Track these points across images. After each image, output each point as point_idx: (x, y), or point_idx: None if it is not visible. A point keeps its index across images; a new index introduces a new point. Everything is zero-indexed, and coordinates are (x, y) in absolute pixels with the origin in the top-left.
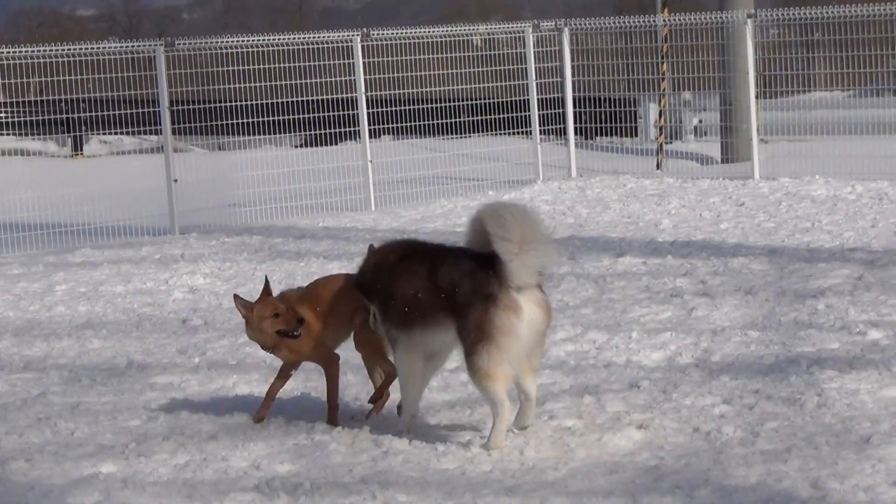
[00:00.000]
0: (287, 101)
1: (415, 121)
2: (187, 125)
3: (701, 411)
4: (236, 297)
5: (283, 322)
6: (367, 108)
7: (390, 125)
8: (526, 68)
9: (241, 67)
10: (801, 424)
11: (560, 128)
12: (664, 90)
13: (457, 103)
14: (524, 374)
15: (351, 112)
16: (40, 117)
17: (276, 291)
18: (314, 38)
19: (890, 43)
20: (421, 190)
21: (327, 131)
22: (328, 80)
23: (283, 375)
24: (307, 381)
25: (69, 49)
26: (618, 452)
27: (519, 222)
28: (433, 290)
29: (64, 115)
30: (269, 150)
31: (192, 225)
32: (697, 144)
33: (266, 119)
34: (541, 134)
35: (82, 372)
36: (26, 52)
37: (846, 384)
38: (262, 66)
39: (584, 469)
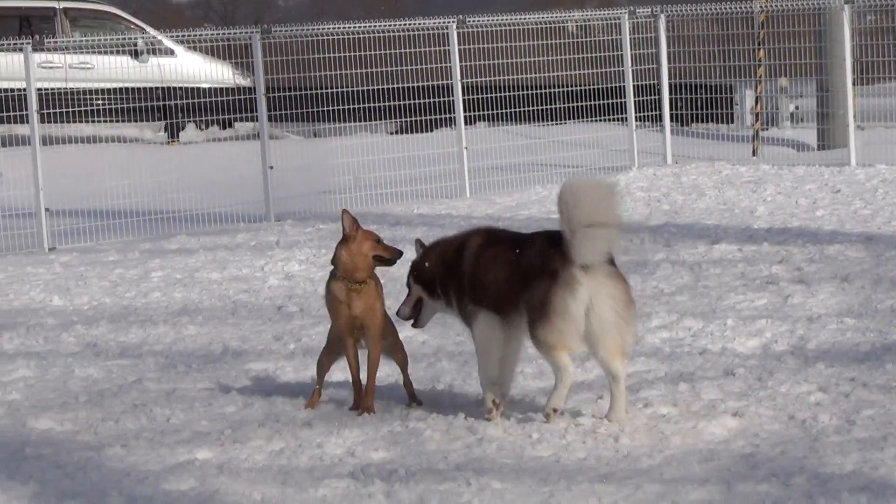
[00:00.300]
0: (382, 88)
1: (510, 107)
2: (283, 112)
3: (796, 399)
4: (346, 211)
5: (383, 249)
6: (463, 94)
7: (485, 112)
8: (622, 55)
9: (336, 54)
10: None
11: (656, 114)
12: (760, 77)
13: (552, 90)
14: (609, 355)
15: (446, 99)
16: (137, 104)
17: None
18: (410, 24)
19: None
20: (516, 177)
21: (422, 118)
22: (424, 66)
23: (330, 351)
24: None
25: (166, 37)
26: (713, 440)
27: (588, 199)
28: (513, 271)
29: (161, 102)
30: (364, 136)
31: (288, 212)
32: (794, 131)
33: (361, 106)
34: (636, 120)
35: (178, 358)
36: (124, 39)
37: None
38: (357, 53)
39: (679, 457)
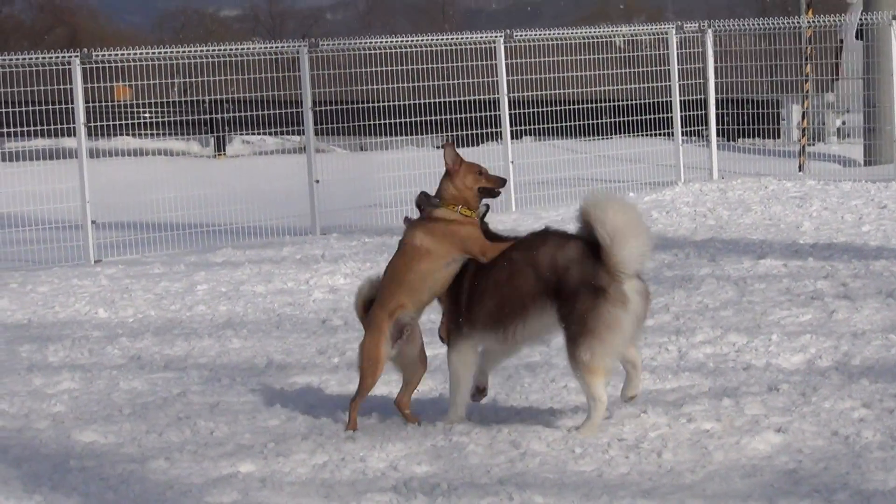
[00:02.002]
0: (429, 102)
1: (556, 122)
2: (330, 126)
3: (840, 415)
4: (448, 144)
5: (486, 180)
6: (509, 109)
7: (532, 126)
8: (669, 70)
9: (383, 68)
10: None
11: (702, 129)
12: (807, 92)
13: (598, 104)
14: (632, 352)
15: (493, 113)
16: (184, 118)
17: None
18: (457, 39)
19: None
20: (562, 191)
21: (469, 132)
22: (471, 80)
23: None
24: (445, 383)
25: (213, 50)
26: (756, 455)
27: (624, 212)
28: (535, 275)
29: (207, 116)
30: (410, 150)
31: (333, 225)
32: (840, 146)
33: (408, 120)
34: (683, 135)
35: (222, 371)
36: (171, 52)
37: None
38: (404, 67)
39: (722, 472)
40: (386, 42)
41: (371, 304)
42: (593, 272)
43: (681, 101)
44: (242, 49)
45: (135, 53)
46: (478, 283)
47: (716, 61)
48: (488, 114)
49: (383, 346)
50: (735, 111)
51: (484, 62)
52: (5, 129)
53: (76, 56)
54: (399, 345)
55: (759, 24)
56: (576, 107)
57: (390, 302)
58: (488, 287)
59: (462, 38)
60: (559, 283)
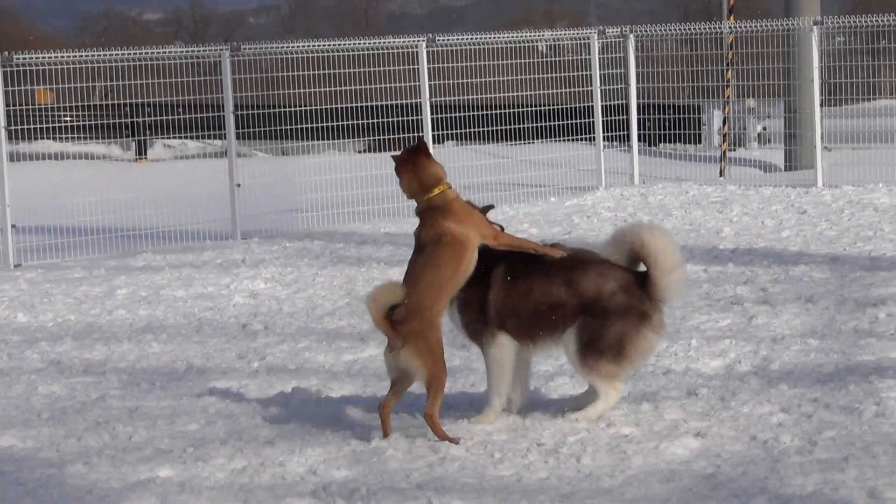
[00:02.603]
0: (351, 107)
1: (479, 126)
2: (251, 130)
3: (759, 420)
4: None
5: None
6: (432, 113)
7: (454, 131)
8: (591, 75)
9: (306, 72)
10: (859, 433)
11: (624, 134)
12: (729, 97)
13: (521, 109)
14: None
15: (415, 117)
16: (105, 121)
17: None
18: (380, 43)
19: None
20: (484, 196)
21: (391, 137)
22: (393, 85)
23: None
24: (366, 386)
25: (135, 53)
26: (675, 460)
27: (671, 243)
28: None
29: (128, 120)
30: (332, 155)
31: (254, 230)
32: (761, 152)
33: (330, 124)
34: (604, 140)
35: (142, 376)
36: (92, 55)
37: None
38: (327, 72)
39: (641, 476)
40: (308, 46)
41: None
42: (640, 299)
43: (602, 105)
44: (164, 53)
45: (56, 57)
46: (510, 293)
47: (637, 66)
48: (411, 118)
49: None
50: (656, 116)
51: (406, 66)
52: None
53: None
54: None
55: (680, 30)
56: (499, 111)
57: (443, 299)
58: (523, 299)
59: (384, 43)
60: (601, 307)
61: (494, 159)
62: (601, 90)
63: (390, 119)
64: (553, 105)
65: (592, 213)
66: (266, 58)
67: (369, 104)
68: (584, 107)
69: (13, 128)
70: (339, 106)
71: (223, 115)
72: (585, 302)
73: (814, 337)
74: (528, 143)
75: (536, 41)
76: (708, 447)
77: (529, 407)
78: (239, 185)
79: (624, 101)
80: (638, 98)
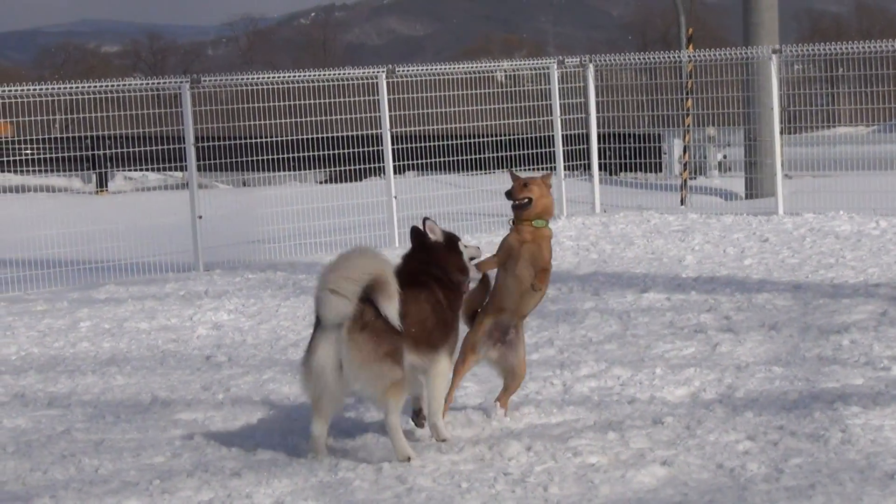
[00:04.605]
0: (311, 138)
1: (439, 157)
2: (212, 161)
3: (725, 447)
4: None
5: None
6: (392, 144)
7: (415, 161)
8: (550, 104)
9: (265, 104)
10: (825, 461)
11: (584, 163)
12: (689, 126)
13: (481, 139)
14: None
15: (376, 148)
16: (65, 154)
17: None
18: (339, 74)
19: None
20: (445, 226)
21: (352, 167)
22: (353, 116)
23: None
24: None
25: (94, 86)
26: (641, 489)
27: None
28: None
29: (89, 152)
30: (293, 186)
31: (217, 261)
32: (722, 180)
33: (290, 155)
34: (565, 170)
35: (106, 408)
36: (52, 88)
37: (870, 420)
38: (286, 103)
39: None
40: (268, 77)
41: None
42: None
43: (563, 135)
44: (124, 85)
45: (15, 90)
46: None
47: (597, 96)
48: (371, 149)
49: None
50: (617, 145)
51: (366, 97)
52: None
53: None
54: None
55: (640, 59)
56: (459, 142)
57: None
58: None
59: (345, 74)
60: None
61: (455, 189)
62: (561, 119)
63: (351, 150)
64: (513, 135)
65: (554, 242)
66: (226, 89)
67: (330, 135)
68: (544, 136)
69: None
70: (299, 137)
71: (184, 147)
72: None
73: (778, 364)
74: (489, 172)
75: (496, 71)
76: (675, 475)
77: (496, 437)
78: (201, 217)
79: (584, 131)
80: (598, 127)
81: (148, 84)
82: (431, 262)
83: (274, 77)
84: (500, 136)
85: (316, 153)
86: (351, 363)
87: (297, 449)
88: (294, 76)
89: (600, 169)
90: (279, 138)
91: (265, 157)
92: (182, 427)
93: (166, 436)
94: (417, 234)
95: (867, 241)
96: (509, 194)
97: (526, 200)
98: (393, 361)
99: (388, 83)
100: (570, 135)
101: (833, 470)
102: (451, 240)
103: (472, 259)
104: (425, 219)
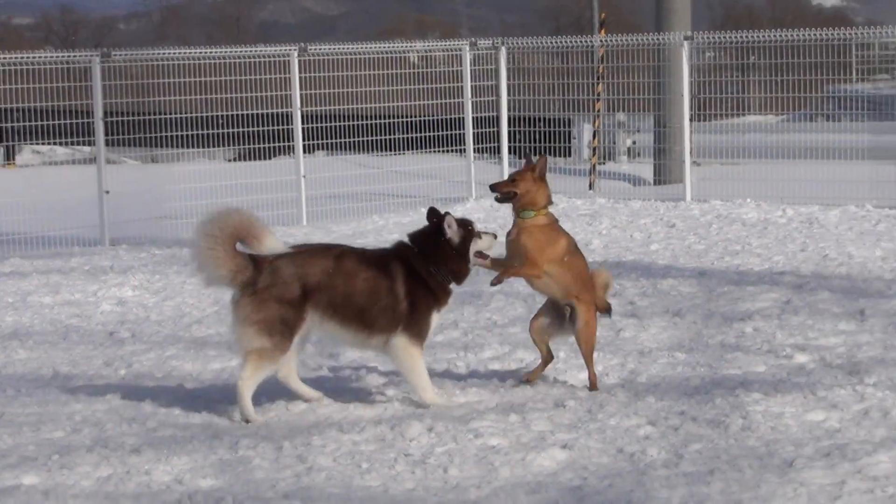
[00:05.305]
0: (222, 115)
1: (349, 137)
2: (121, 137)
3: (626, 432)
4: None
5: None
6: (303, 123)
7: (325, 140)
8: (462, 86)
9: (176, 80)
10: (724, 447)
11: (494, 146)
12: (599, 111)
13: (392, 120)
14: None
15: (286, 127)
16: None
17: None
18: (251, 51)
19: (822, 68)
20: (353, 206)
21: (261, 146)
22: (264, 94)
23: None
24: (233, 395)
25: (4, 58)
26: (542, 472)
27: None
28: None
29: None
30: (202, 163)
31: (123, 237)
32: (630, 166)
33: (200, 132)
34: (475, 152)
35: (7, 382)
36: None
37: (771, 407)
38: (198, 79)
39: (508, 488)
40: (179, 53)
41: None
42: None
43: (473, 117)
44: (33, 58)
45: None
46: None
47: (509, 79)
48: (281, 127)
49: None
50: (527, 129)
51: (278, 75)
52: None
53: None
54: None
55: (552, 43)
56: (370, 122)
57: None
58: None
59: (256, 51)
60: None
61: (365, 169)
62: (472, 102)
63: (261, 128)
64: (424, 116)
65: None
66: (137, 64)
67: (240, 113)
68: (455, 118)
69: None
70: (209, 114)
71: (92, 122)
72: None
73: (681, 350)
74: (400, 153)
75: (408, 52)
76: (575, 459)
77: (398, 418)
78: (108, 192)
79: (495, 114)
80: (509, 110)
81: (58, 57)
82: (430, 255)
83: (185, 53)
84: (412, 117)
85: (226, 130)
86: (231, 323)
87: (197, 427)
88: (205, 52)
89: (510, 152)
90: (189, 115)
91: (174, 134)
92: (83, 402)
93: (67, 411)
94: (434, 218)
95: (773, 229)
96: (493, 188)
97: (512, 194)
98: (260, 330)
99: (299, 62)
100: (481, 117)
101: (732, 456)
102: (464, 241)
103: (480, 251)
104: (447, 213)
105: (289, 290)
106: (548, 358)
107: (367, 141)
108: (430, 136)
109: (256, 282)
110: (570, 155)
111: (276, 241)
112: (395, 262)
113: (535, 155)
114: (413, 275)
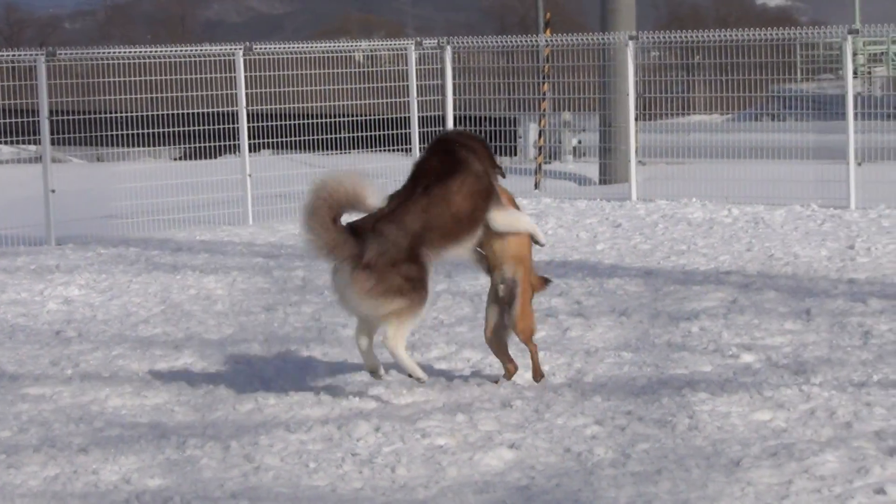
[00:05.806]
0: (167, 114)
1: (295, 136)
2: (66, 136)
3: (573, 432)
4: None
5: None
6: (248, 122)
7: (270, 140)
8: (408, 86)
9: (122, 79)
10: (672, 446)
11: None
12: (544, 110)
13: (337, 119)
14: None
15: (231, 126)
16: None
17: None
18: (196, 50)
19: (767, 68)
20: (299, 205)
21: (207, 144)
22: (209, 93)
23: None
24: (180, 395)
25: None
26: (489, 472)
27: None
28: None
29: None
30: (147, 162)
31: (69, 236)
32: (576, 165)
33: (145, 131)
34: (420, 151)
35: None
36: None
37: (718, 407)
38: (143, 78)
39: (455, 488)
40: (125, 52)
41: None
42: None
43: (419, 117)
44: None
45: None
46: None
47: (454, 78)
48: (227, 126)
49: None
50: (473, 128)
51: (223, 74)
52: None
53: None
54: None
55: (498, 42)
56: (315, 121)
57: None
58: None
59: (201, 50)
60: None
61: (310, 168)
62: (418, 101)
63: (206, 127)
64: (370, 115)
65: None
66: (82, 63)
67: (185, 112)
68: (400, 117)
69: None
70: (155, 113)
71: (38, 121)
72: None
73: (627, 350)
74: (345, 152)
75: (354, 51)
76: (522, 459)
77: (345, 418)
78: (53, 191)
79: (441, 113)
80: (455, 110)
81: (2, 56)
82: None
83: (130, 52)
84: (357, 116)
85: (171, 129)
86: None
87: (144, 426)
88: (151, 51)
89: None
90: (134, 114)
91: (120, 133)
92: (29, 402)
93: (13, 410)
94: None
95: (719, 229)
96: None
97: None
98: (390, 296)
99: (245, 61)
100: (427, 116)
101: (679, 456)
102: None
103: None
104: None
105: (400, 249)
106: (511, 369)
107: (313, 140)
108: (376, 136)
109: (363, 253)
110: (515, 154)
111: (377, 196)
112: (466, 155)
113: None
114: (481, 156)
